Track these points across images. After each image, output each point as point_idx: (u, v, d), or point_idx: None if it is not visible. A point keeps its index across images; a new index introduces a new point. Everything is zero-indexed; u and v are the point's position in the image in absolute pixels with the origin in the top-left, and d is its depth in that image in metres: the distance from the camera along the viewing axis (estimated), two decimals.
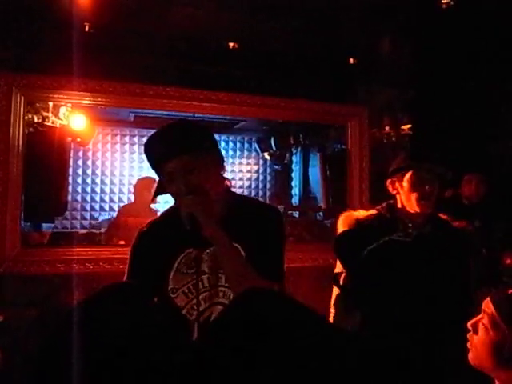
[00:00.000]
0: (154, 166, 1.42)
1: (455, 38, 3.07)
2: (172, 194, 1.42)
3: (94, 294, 0.74)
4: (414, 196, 1.78)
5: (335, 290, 1.94)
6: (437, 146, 3.55)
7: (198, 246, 1.43)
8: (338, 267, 1.92)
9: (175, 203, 1.45)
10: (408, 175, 1.79)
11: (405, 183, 1.80)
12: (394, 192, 1.86)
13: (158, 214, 4.81)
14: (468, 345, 1.09)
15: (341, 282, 1.88)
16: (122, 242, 3.31)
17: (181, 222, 1.40)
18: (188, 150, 1.36)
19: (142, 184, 4.26)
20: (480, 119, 3.58)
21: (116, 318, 0.69)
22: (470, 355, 1.08)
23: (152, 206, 4.27)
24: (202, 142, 1.40)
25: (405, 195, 1.82)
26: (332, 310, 1.93)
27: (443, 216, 1.90)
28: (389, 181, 1.89)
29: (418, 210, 1.78)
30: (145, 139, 5.00)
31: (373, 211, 1.91)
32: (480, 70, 3.36)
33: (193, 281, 1.43)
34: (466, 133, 3.52)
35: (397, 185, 1.85)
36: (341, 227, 1.87)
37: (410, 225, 1.81)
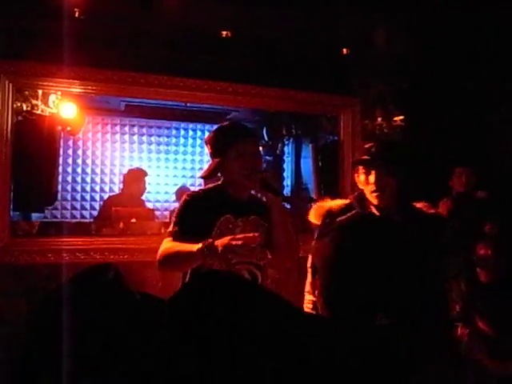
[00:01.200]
0: (226, 146, 1.83)
1: (449, 30, 3.07)
2: (235, 170, 1.82)
3: (73, 279, 0.74)
4: (367, 189, 1.83)
5: (310, 277, 1.96)
6: (429, 138, 3.58)
7: (234, 214, 1.85)
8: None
9: (238, 176, 1.83)
10: (360, 170, 1.84)
11: (360, 177, 1.84)
12: (359, 184, 1.88)
13: (147, 204, 4.78)
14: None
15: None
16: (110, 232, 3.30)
17: (220, 194, 1.89)
18: (255, 136, 1.99)
19: (131, 175, 4.23)
20: (473, 112, 3.59)
21: (95, 299, 0.69)
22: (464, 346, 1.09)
23: (141, 197, 4.26)
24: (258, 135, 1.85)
25: (363, 188, 1.86)
26: (310, 297, 1.94)
27: (419, 204, 1.89)
28: (354, 173, 1.93)
29: (374, 202, 1.81)
30: (135, 129, 4.96)
31: (345, 201, 1.92)
32: (474, 64, 3.37)
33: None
34: (459, 125, 3.53)
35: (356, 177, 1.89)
36: (312, 218, 1.92)
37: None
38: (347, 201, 1.92)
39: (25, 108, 3.08)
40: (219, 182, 1.95)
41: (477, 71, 3.42)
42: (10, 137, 2.78)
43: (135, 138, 5.03)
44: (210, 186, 1.97)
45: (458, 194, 3.24)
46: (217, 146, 1.88)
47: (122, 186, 4.36)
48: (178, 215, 1.85)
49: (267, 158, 5.21)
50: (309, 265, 1.97)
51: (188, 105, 3.36)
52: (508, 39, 2.96)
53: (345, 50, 3.25)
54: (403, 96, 3.65)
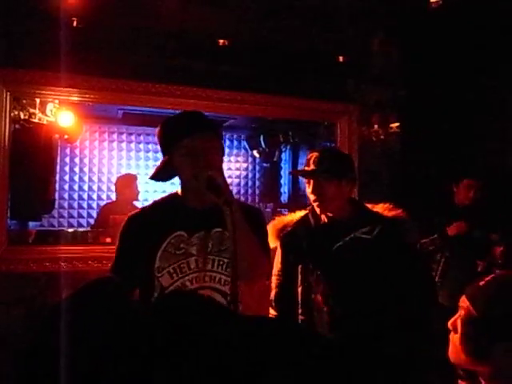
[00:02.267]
0: (172, 142, 1.50)
1: (447, 37, 3.10)
2: (184, 171, 1.50)
3: (75, 292, 0.74)
4: (310, 199, 1.84)
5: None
6: (426, 145, 3.60)
7: (189, 230, 1.50)
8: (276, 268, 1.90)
9: (187, 181, 1.51)
10: (305, 182, 1.87)
11: (307, 188, 1.86)
12: (309, 196, 1.90)
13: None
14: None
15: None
16: (108, 240, 3.28)
17: (173, 205, 1.54)
18: (210, 128, 1.53)
19: (122, 181, 4.23)
20: (471, 119, 3.61)
21: (98, 315, 0.69)
22: (449, 352, 1.09)
23: (135, 202, 4.26)
24: (218, 127, 1.55)
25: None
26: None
27: (379, 207, 1.89)
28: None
29: (318, 211, 1.82)
30: (133, 137, 4.96)
31: (302, 213, 1.92)
32: (472, 71, 3.39)
33: (179, 261, 1.48)
34: (456, 132, 3.56)
35: None
36: (269, 231, 1.82)
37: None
38: (304, 212, 1.92)
39: (22, 116, 3.08)
40: (177, 190, 1.60)
41: (475, 78, 3.45)
42: (8, 145, 2.78)
43: (133, 145, 5.03)
44: (163, 196, 1.66)
45: (464, 208, 3.17)
46: (163, 141, 1.55)
47: (115, 193, 4.34)
48: (118, 245, 1.55)
49: (264, 165, 5.22)
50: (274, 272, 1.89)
51: None
52: (507, 46, 2.98)
53: (341, 58, 3.27)
54: (400, 103, 3.68)
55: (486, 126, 3.59)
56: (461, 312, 1.06)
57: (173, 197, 1.60)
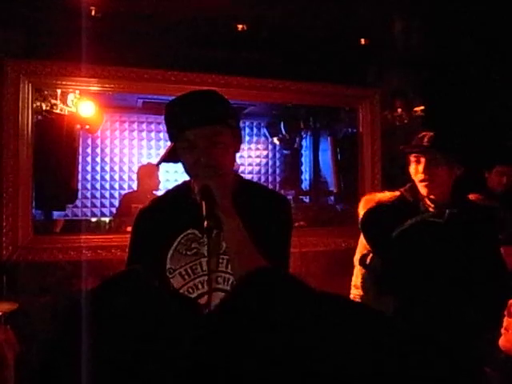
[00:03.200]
0: (174, 132, 1.33)
1: (470, 17, 2.98)
2: (186, 165, 1.33)
3: (100, 285, 0.73)
4: (416, 179, 1.81)
5: (359, 271, 1.92)
6: (451, 129, 3.50)
7: (202, 228, 1.31)
8: (361, 248, 1.90)
9: (190, 174, 1.36)
10: (411, 159, 1.82)
11: (410, 167, 1.83)
12: (411, 175, 1.86)
13: None
14: (502, 330, 1.05)
15: (368, 263, 1.87)
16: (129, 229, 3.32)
17: (185, 200, 1.38)
18: (215, 121, 1.29)
19: (143, 171, 4.25)
20: (496, 101, 3.49)
21: (124, 309, 0.68)
22: (502, 339, 1.05)
23: (155, 192, 4.28)
24: (228, 117, 1.31)
25: (414, 178, 1.84)
26: (357, 292, 1.92)
27: (472, 197, 1.88)
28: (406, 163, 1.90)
29: (422, 192, 1.80)
30: (153, 126, 4.96)
31: (396, 193, 1.90)
32: (498, 52, 3.26)
33: (191, 263, 1.37)
34: (481, 116, 3.44)
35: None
36: (362, 210, 1.87)
37: (432, 208, 1.79)
38: (397, 193, 1.90)
39: (44, 107, 3.11)
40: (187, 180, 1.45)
41: (501, 59, 3.32)
42: (31, 136, 2.82)
43: (153, 134, 5.05)
44: (180, 184, 1.50)
45: (497, 194, 3.11)
46: (167, 127, 1.36)
47: (136, 182, 4.37)
48: (130, 241, 1.44)
49: (285, 152, 5.18)
50: (356, 260, 1.92)
51: None
52: None
53: (363, 41, 3.18)
54: (424, 86, 3.58)
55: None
56: None
57: (185, 188, 1.44)
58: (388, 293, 1.79)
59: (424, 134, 1.84)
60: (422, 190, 1.79)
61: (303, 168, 5.03)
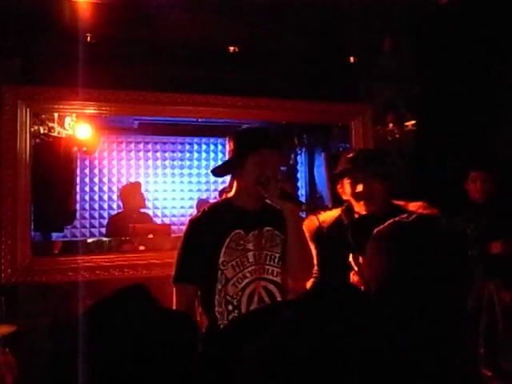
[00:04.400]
0: (248, 149, 1.72)
1: (457, 33, 3.06)
2: (248, 177, 1.72)
3: (101, 301, 0.76)
4: (353, 199, 1.88)
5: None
6: (442, 142, 3.55)
7: (246, 228, 1.73)
8: None
9: (249, 184, 1.73)
10: (345, 181, 1.91)
11: (345, 188, 1.91)
12: (344, 196, 1.93)
13: (164, 220, 4.77)
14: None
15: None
16: (141, 248, 3.36)
17: (229, 208, 1.76)
18: (280, 147, 1.81)
19: (126, 190, 4.26)
20: (486, 115, 3.55)
21: (124, 325, 0.71)
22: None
23: (142, 210, 4.30)
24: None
25: (348, 199, 1.91)
26: None
27: (414, 205, 1.89)
28: (337, 187, 1.97)
29: (361, 211, 1.86)
30: (150, 146, 5.00)
31: (336, 212, 1.96)
32: (487, 67, 3.34)
33: (240, 256, 1.70)
34: (471, 128, 3.50)
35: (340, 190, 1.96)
36: (305, 231, 1.92)
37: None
38: (337, 212, 1.96)
39: (42, 131, 3.17)
40: (229, 195, 1.83)
41: (489, 73, 3.40)
42: (29, 159, 2.86)
43: (149, 154, 5.11)
44: (218, 200, 1.90)
45: (476, 201, 3.14)
46: (239, 146, 1.77)
47: (122, 203, 4.36)
48: (180, 252, 1.73)
49: (281, 168, 5.23)
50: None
51: (200, 120, 3.41)
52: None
53: (352, 59, 3.26)
54: (414, 100, 3.65)
55: (502, 122, 3.53)
56: None
57: (225, 201, 1.82)
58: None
59: (352, 154, 1.92)
60: (361, 208, 1.85)
61: (299, 184, 5.08)
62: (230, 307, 1.68)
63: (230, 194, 1.82)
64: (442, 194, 3.26)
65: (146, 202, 4.32)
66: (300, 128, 4.42)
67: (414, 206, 1.87)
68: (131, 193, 4.15)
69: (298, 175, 5.08)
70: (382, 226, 0.92)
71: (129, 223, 3.72)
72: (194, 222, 1.76)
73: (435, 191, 3.28)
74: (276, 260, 1.75)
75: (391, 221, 0.94)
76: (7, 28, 2.60)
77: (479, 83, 3.45)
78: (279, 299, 1.73)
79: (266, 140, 1.75)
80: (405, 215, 1.76)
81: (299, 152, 4.90)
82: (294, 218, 1.72)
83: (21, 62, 2.83)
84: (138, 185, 4.34)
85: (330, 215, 1.97)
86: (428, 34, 3.22)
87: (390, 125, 3.63)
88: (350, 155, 1.91)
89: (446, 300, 0.81)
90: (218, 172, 1.90)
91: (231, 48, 2.91)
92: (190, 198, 5.17)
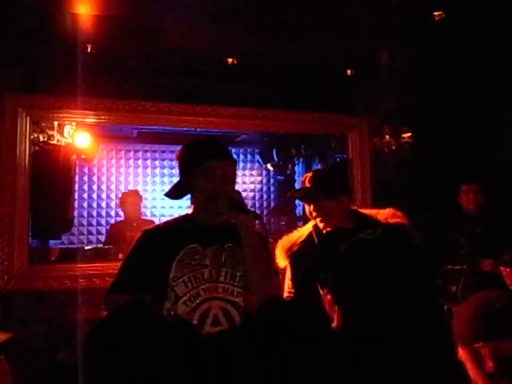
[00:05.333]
0: (194, 163, 1.59)
1: (454, 47, 3.10)
2: (199, 192, 1.60)
3: (106, 318, 0.79)
4: (311, 217, 1.91)
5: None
6: (438, 155, 3.59)
7: (203, 243, 1.57)
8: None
9: (202, 199, 1.60)
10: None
11: (306, 208, 1.94)
12: (308, 215, 1.95)
13: (154, 222, 4.73)
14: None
15: None
16: (121, 256, 3.36)
17: (187, 222, 1.63)
18: (230, 156, 1.67)
19: (124, 199, 4.21)
20: (481, 128, 3.59)
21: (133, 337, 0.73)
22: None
23: (143, 217, 4.28)
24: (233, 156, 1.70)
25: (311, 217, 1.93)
26: None
27: (384, 212, 1.93)
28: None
29: (320, 227, 1.89)
30: (148, 154, 5.02)
31: (307, 229, 1.96)
32: (481, 80, 3.38)
33: (194, 271, 1.54)
34: (467, 140, 3.54)
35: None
36: (278, 251, 1.93)
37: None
38: (308, 229, 1.97)
39: (41, 139, 3.20)
40: (189, 212, 1.70)
41: (484, 87, 3.44)
42: (28, 166, 2.89)
43: (148, 162, 5.14)
44: (178, 216, 1.75)
45: (469, 212, 3.19)
46: (184, 162, 1.65)
47: (122, 211, 4.31)
48: (124, 262, 1.59)
49: (278, 177, 5.26)
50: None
51: (198, 130, 3.44)
52: (506, 46, 2.97)
53: (349, 72, 3.30)
54: (410, 113, 3.68)
55: (498, 135, 3.57)
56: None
57: (185, 216, 1.69)
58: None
59: (305, 176, 1.95)
60: (320, 225, 1.88)
61: None
62: None
63: (190, 211, 1.69)
64: (437, 206, 3.30)
65: (142, 210, 4.30)
66: (297, 138, 4.46)
67: (382, 215, 1.90)
68: (129, 200, 4.15)
69: (295, 185, 5.11)
70: (344, 246, 0.93)
71: (128, 231, 3.73)
72: (146, 233, 1.63)
73: (431, 204, 3.31)
74: (237, 279, 1.56)
75: (354, 239, 0.95)
76: (9, 37, 2.64)
77: (475, 96, 3.49)
78: (238, 322, 1.52)
79: (209, 151, 1.61)
80: (370, 230, 1.80)
81: (296, 162, 4.94)
82: (247, 228, 1.53)
83: (22, 70, 2.86)
84: (135, 192, 4.34)
85: (302, 232, 1.97)
86: (425, 47, 3.26)
87: (387, 136, 3.67)
88: (304, 177, 1.95)
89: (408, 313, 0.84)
90: (171, 195, 1.72)
91: (229, 60, 2.94)
92: (188, 207, 5.18)
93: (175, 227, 1.64)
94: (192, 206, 1.68)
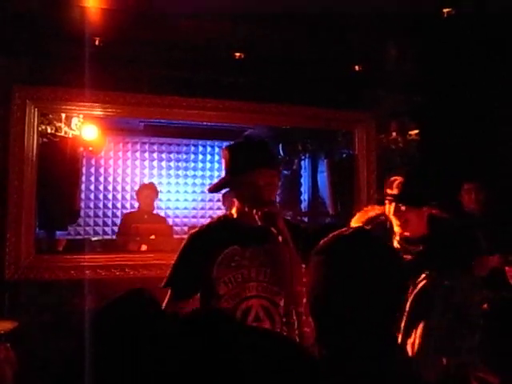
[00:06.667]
0: (243, 168, 1.63)
1: (461, 43, 3.08)
2: (242, 197, 1.67)
3: (106, 305, 0.80)
4: (394, 219, 1.84)
5: None
6: (445, 152, 3.57)
7: (242, 244, 1.66)
8: None
9: (244, 204, 1.66)
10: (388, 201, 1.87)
11: (389, 207, 1.86)
12: (389, 214, 1.87)
13: (167, 220, 4.75)
14: None
15: None
16: (144, 248, 3.41)
17: (228, 224, 1.71)
18: (278, 165, 1.84)
19: (144, 190, 4.26)
20: (489, 125, 3.57)
21: (129, 326, 0.74)
22: None
23: (155, 211, 4.31)
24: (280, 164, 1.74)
25: (390, 218, 1.86)
26: None
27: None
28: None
29: (396, 230, 1.83)
30: (155, 147, 5.04)
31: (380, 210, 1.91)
32: (489, 78, 3.35)
33: (234, 272, 1.64)
34: (474, 138, 3.51)
35: None
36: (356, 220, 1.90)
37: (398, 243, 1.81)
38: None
39: (49, 130, 3.22)
40: (229, 212, 1.79)
41: (493, 84, 3.41)
42: (36, 158, 2.92)
43: (155, 155, 5.16)
44: (219, 216, 1.85)
45: (470, 211, 3.18)
46: (232, 163, 1.69)
47: (137, 202, 4.37)
48: (178, 257, 1.71)
49: (284, 172, 5.26)
50: None
51: (205, 123, 3.45)
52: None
53: (357, 67, 3.28)
54: (418, 110, 3.66)
55: (506, 132, 3.54)
56: None
57: (226, 218, 1.78)
58: None
59: (395, 178, 1.84)
60: (396, 228, 1.80)
61: (302, 189, 5.10)
62: None
63: (231, 211, 1.77)
64: (443, 203, 3.28)
65: (155, 204, 4.32)
66: (304, 133, 4.44)
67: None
68: (148, 193, 4.18)
69: (301, 180, 5.11)
70: (322, 241, 0.93)
71: (138, 223, 3.77)
72: (192, 236, 1.73)
73: (437, 201, 3.30)
74: (275, 278, 1.65)
75: (331, 235, 0.95)
76: (18, 30, 2.66)
77: (482, 93, 3.47)
78: (277, 319, 1.63)
79: (260, 159, 1.64)
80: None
81: (303, 157, 4.93)
82: (275, 250, 1.61)
83: (30, 63, 2.88)
84: (152, 186, 4.36)
85: (377, 212, 1.89)
86: (433, 44, 3.24)
87: (394, 133, 3.65)
88: (398, 180, 1.83)
89: (378, 312, 0.84)
90: (213, 190, 1.84)
91: (237, 54, 2.94)
92: (194, 200, 5.21)
93: (216, 230, 1.72)
94: (233, 206, 1.75)
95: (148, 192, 4.18)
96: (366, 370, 0.77)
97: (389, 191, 1.85)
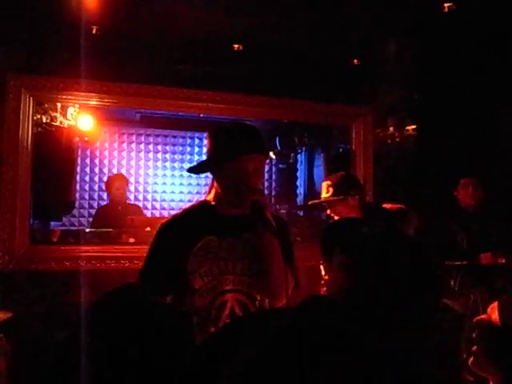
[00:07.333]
0: (229, 153, 1.53)
1: (460, 39, 3.08)
2: (227, 183, 1.56)
3: (102, 298, 0.79)
4: None
5: None
6: (442, 148, 3.57)
7: (219, 234, 1.55)
8: None
9: (228, 190, 1.57)
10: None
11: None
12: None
13: (163, 213, 4.76)
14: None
15: None
16: (131, 240, 3.39)
17: (205, 212, 1.59)
18: (266, 151, 1.71)
19: (115, 182, 4.16)
20: (486, 121, 3.57)
21: (123, 321, 0.74)
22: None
23: (129, 202, 4.24)
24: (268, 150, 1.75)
25: None
26: None
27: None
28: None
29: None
30: (151, 138, 5.02)
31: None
32: (486, 73, 3.35)
33: (210, 264, 1.53)
34: (472, 136, 3.52)
35: None
36: None
37: None
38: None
39: (44, 120, 3.19)
40: (207, 198, 1.66)
41: (491, 81, 3.41)
42: (30, 148, 2.88)
43: (150, 146, 5.13)
44: (195, 203, 1.73)
45: (466, 206, 3.19)
46: (217, 147, 1.58)
47: (108, 195, 4.26)
48: (150, 250, 1.59)
49: (280, 166, 5.25)
50: None
51: (202, 115, 3.43)
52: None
53: (356, 61, 3.27)
54: (415, 105, 3.66)
55: (503, 128, 3.55)
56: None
57: (203, 204, 1.65)
58: None
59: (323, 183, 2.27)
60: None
61: (298, 182, 5.10)
62: (197, 319, 1.49)
63: (209, 197, 1.64)
64: (439, 199, 3.30)
65: (144, 194, 4.28)
66: (301, 127, 4.43)
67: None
68: (115, 184, 4.09)
69: (298, 174, 5.11)
70: (344, 238, 0.91)
71: (114, 216, 3.72)
72: (162, 226, 1.61)
73: (433, 196, 3.31)
74: (253, 271, 1.56)
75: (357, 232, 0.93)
76: (13, 18, 2.62)
77: (480, 88, 3.47)
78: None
79: (247, 145, 1.54)
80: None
81: (299, 151, 4.93)
82: (262, 238, 1.51)
83: (26, 52, 2.84)
84: (121, 176, 4.29)
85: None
86: (431, 39, 3.23)
87: (391, 128, 3.65)
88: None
89: (410, 313, 0.83)
90: (194, 171, 1.71)
91: (235, 46, 2.92)
92: (189, 192, 5.20)
93: (191, 218, 1.61)
94: (212, 193, 1.63)
95: (119, 183, 4.07)
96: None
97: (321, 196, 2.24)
